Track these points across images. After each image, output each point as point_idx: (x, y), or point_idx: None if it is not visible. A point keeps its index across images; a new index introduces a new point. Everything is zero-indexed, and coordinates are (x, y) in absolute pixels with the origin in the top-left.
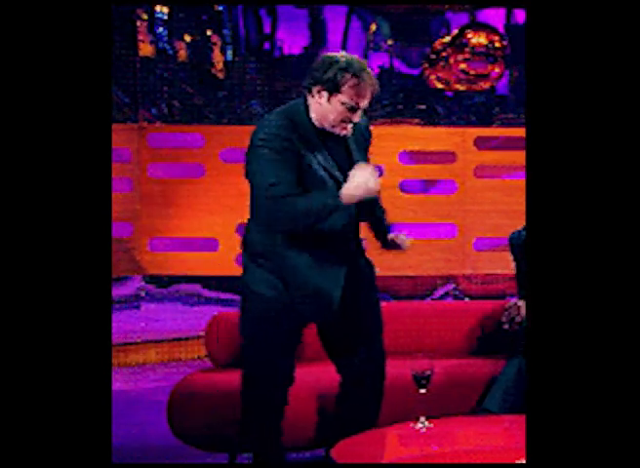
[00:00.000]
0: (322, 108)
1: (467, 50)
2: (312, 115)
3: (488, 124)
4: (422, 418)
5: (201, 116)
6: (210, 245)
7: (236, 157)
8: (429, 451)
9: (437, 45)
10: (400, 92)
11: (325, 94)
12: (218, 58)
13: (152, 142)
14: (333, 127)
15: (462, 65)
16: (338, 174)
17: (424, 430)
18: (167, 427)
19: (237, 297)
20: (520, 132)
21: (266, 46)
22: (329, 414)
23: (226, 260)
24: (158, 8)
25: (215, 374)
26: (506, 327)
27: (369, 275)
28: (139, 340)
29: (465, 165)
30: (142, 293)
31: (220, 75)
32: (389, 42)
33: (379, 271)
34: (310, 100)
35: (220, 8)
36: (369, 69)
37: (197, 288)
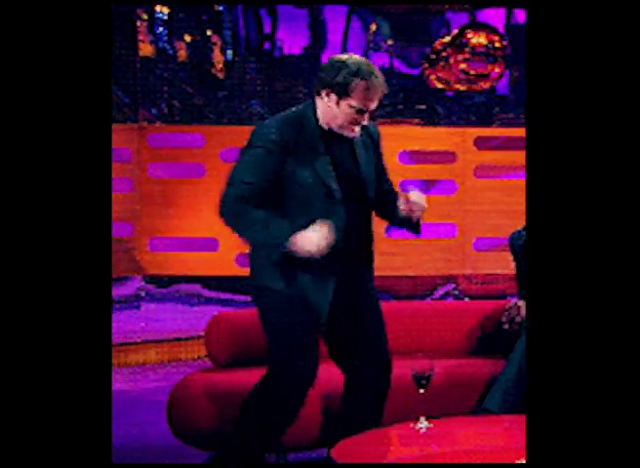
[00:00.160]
0: (331, 111)
1: (467, 50)
2: (320, 117)
3: (488, 124)
4: (422, 418)
5: (201, 116)
6: (210, 245)
7: (236, 157)
8: (429, 451)
9: (437, 45)
10: (400, 92)
11: (334, 97)
12: (218, 58)
13: (152, 142)
14: (341, 129)
15: (462, 65)
16: (334, 185)
17: (424, 430)
18: (167, 427)
19: (237, 297)
20: (520, 132)
21: (266, 46)
22: (333, 414)
23: (226, 260)
24: (158, 8)
25: (215, 374)
26: (506, 327)
27: (368, 280)
28: (139, 340)
29: (465, 165)
30: (142, 293)
31: (220, 75)
32: (389, 42)
33: (378, 271)
34: (319, 103)
35: (221, 8)
36: (377, 72)
37: (197, 288)
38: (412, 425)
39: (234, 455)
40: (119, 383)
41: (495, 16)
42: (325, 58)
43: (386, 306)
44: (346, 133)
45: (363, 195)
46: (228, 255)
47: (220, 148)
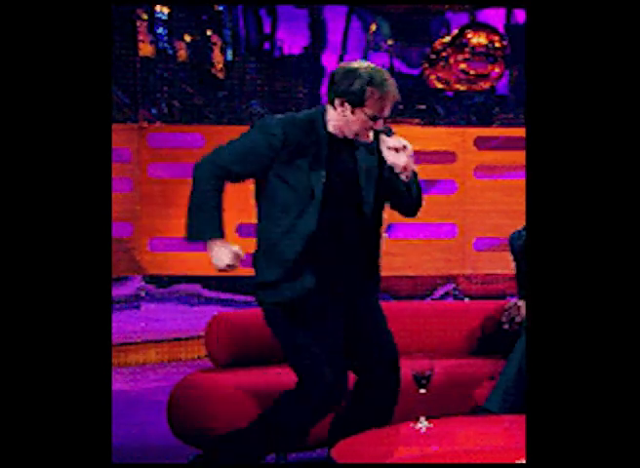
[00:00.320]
0: (346, 119)
1: (467, 50)
2: (331, 124)
3: (488, 124)
4: (422, 418)
5: (201, 116)
6: None
7: None
8: (429, 451)
9: (437, 45)
10: (400, 92)
11: (349, 106)
12: (218, 58)
13: (152, 142)
14: (356, 136)
15: (462, 65)
16: (318, 190)
17: (424, 430)
18: (167, 427)
19: (237, 297)
20: (520, 132)
21: (266, 46)
22: (337, 414)
23: None
24: (158, 8)
25: (215, 374)
26: (506, 327)
27: (369, 284)
28: (139, 340)
29: (465, 165)
30: (142, 293)
31: (220, 75)
32: (389, 42)
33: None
34: (331, 111)
35: (221, 8)
36: (390, 78)
37: (197, 288)
38: (412, 425)
39: (235, 455)
40: (119, 383)
41: (495, 16)
42: (325, 59)
43: (386, 306)
44: (361, 139)
45: (360, 201)
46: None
47: None
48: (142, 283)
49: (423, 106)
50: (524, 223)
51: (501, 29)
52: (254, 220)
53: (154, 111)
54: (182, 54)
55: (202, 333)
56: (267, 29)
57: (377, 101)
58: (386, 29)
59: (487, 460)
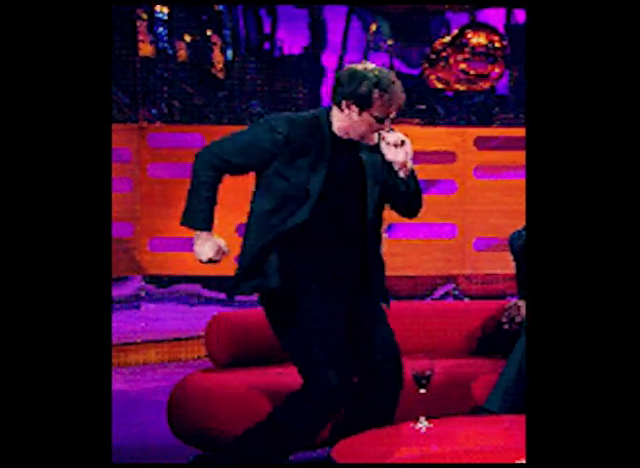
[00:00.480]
0: (352, 121)
1: (467, 50)
2: (337, 126)
3: (488, 124)
4: (422, 418)
5: (201, 116)
6: None
7: None
8: (429, 451)
9: (437, 45)
10: None
11: (356, 108)
12: (218, 58)
13: (152, 142)
14: (362, 137)
15: (462, 65)
16: (314, 191)
17: (424, 430)
18: (167, 427)
19: (237, 297)
20: (520, 132)
21: (266, 46)
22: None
23: (226, 260)
24: (158, 8)
25: (215, 374)
26: (506, 327)
27: (371, 284)
28: (139, 340)
29: (465, 165)
30: (142, 294)
31: (220, 75)
32: (389, 42)
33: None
34: (337, 113)
35: (221, 8)
36: (397, 80)
37: (197, 288)
38: (412, 425)
39: (246, 457)
40: (119, 383)
41: (495, 16)
42: (325, 59)
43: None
44: (367, 141)
45: (364, 201)
46: (228, 255)
47: None
48: (142, 283)
49: (423, 106)
50: (524, 223)
51: (501, 29)
52: None
53: (154, 111)
54: (182, 54)
55: (202, 333)
56: (267, 29)
57: (384, 104)
58: (386, 29)
59: (487, 460)
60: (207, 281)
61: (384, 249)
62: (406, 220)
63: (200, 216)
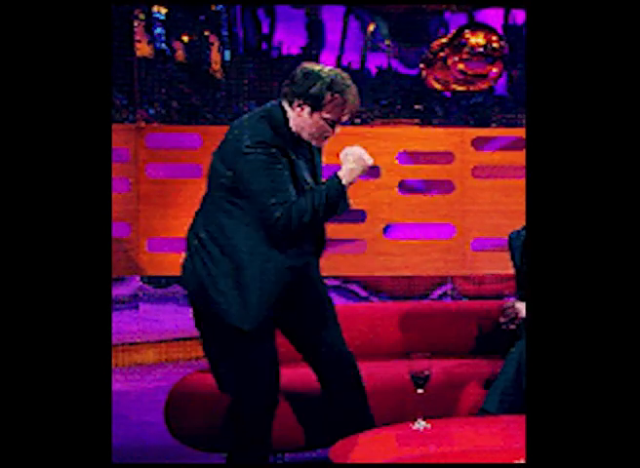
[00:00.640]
0: (302, 121)
1: (465, 50)
2: (291, 124)
3: (486, 124)
4: (420, 419)
5: (199, 116)
6: None
7: None
8: (428, 452)
9: (435, 45)
10: (398, 92)
11: (307, 108)
12: (215, 58)
13: (150, 143)
14: (310, 138)
15: (461, 66)
16: (310, 179)
17: (422, 430)
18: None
19: None
20: (519, 132)
21: (264, 46)
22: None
23: None
24: (156, 8)
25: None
26: (505, 327)
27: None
28: (137, 341)
29: (464, 165)
30: (141, 294)
31: (218, 75)
32: (387, 42)
33: (377, 271)
34: (290, 111)
35: (218, 8)
36: (352, 84)
37: None
38: (410, 425)
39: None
40: (119, 383)
41: (493, 16)
42: (323, 59)
43: (385, 306)
44: (315, 142)
45: None
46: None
47: None
48: (141, 283)
49: (422, 107)
50: (523, 223)
51: (500, 30)
52: None
53: (152, 111)
54: (180, 54)
55: None
56: (265, 29)
57: (335, 107)
58: (384, 29)
59: (486, 460)
60: None
61: (383, 249)
62: (404, 221)
63: (343, 197)
